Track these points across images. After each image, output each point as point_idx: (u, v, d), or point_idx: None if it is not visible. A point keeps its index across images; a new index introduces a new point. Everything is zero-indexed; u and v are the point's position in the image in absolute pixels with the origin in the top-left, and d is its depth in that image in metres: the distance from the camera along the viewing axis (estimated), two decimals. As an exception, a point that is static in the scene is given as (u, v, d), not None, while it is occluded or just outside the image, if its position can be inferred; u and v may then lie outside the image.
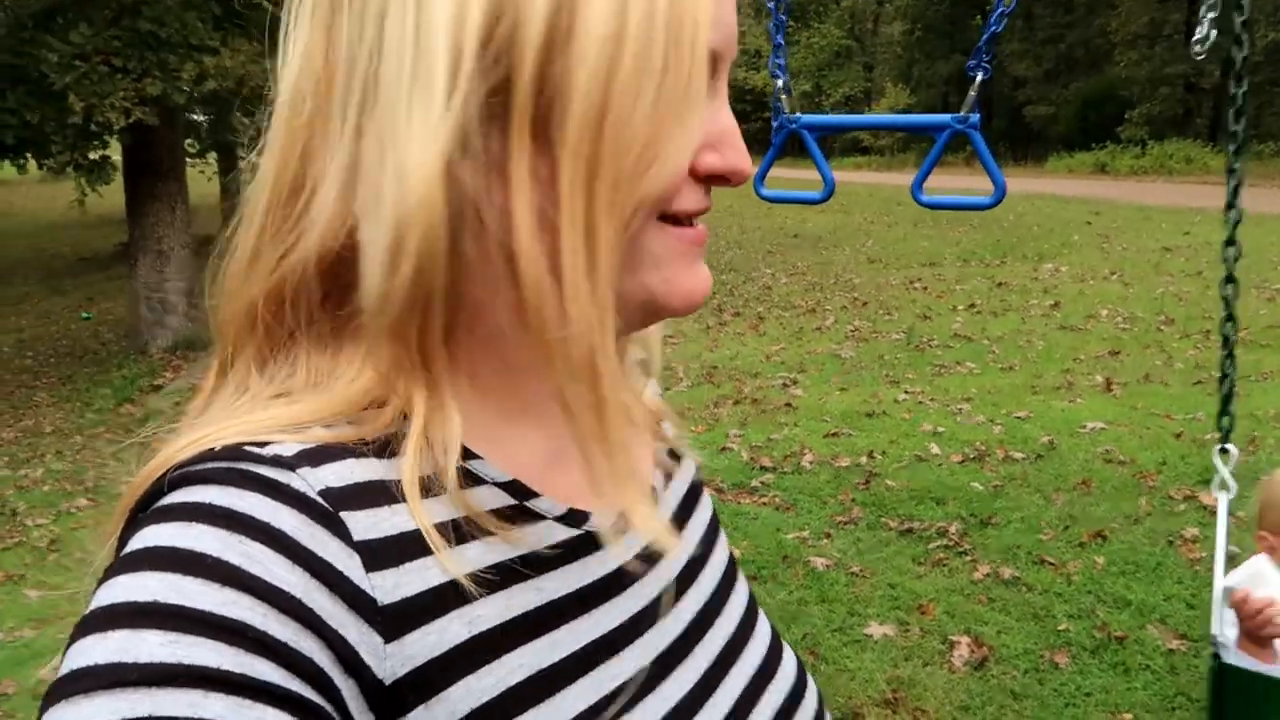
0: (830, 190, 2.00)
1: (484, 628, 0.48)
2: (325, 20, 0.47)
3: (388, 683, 0.44)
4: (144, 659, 0.38)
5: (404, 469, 0.48)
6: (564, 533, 0.53)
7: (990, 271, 10.57)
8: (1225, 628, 1.69)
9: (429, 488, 0.48)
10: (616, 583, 0.55)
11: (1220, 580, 1.73)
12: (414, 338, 0.48)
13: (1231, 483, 1.91)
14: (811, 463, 4.74)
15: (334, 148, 0.47)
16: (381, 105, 0.45)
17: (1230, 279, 1.92)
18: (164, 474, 0.45)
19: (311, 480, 0.45)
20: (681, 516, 0.65)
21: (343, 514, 0.45)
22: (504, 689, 0.47)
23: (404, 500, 0.47)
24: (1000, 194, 1.84)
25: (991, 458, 4.72)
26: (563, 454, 0.55)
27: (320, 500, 0.45)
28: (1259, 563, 1.73)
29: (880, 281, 10.45)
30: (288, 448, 0.46)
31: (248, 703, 0.38)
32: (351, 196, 0.46)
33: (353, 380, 0.49)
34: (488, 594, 0.48)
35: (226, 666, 0.39)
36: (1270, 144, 22.94)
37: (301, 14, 0.49)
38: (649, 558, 0.58)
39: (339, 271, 0.49)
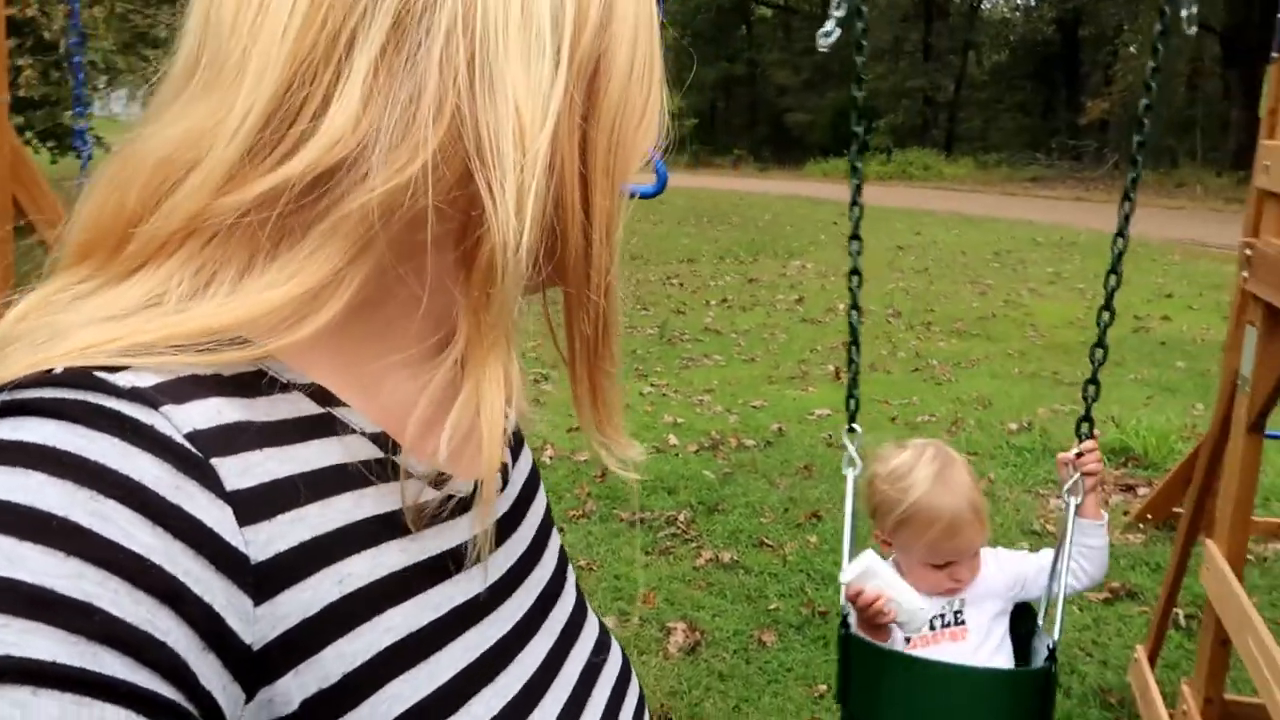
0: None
1: (354, 586, 0.45)
2: None
3: (256, 648, 0.41)
4: None
5: (274, 412, 0.46)
6: (428, 494, 0.52)
7: (743, 268, 11.00)
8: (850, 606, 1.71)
9: (295, 435, 0.46)
10: (474, 552, 0.54)
11: (848, 558, 1.74)
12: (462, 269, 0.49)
13: (858, 460, 1.97)
14: (552, 458, 4.71)
15: (353, 69, 0.45)
16: (484, 58, 0.46)
17: (855, 271, 2.05)
18: None
19: (177, 420, 0.41)
20: (525, 498, 0.65)
21: (213, 460, 0.41)
22: (374, 653, 0.45)
23: (276, 444, 0.45)
24: (661, 184, 1.83)
25: (725, 446, 4.86)
26: (428, 415, 0.53)
27: (187, 445, 0.41)
28: (868, 558, 1.64)
29: (639, 278, 10.62)
30: (144, 377, 0.41)
31: (86, 700, 0.34)
32: (380, 119, 0.45)
33: (281, 285, 0.45)
34: (358, 551, 0.46)
35: (63, 660, 0.34)
36: (994, 154, 25.35)
37: None
38: (502, 531, 0.58)
39: (317, 183, 0.45)
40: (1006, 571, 1.83)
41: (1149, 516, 3.82)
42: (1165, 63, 1.99)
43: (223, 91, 0.46)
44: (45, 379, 0.40)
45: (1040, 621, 1.79)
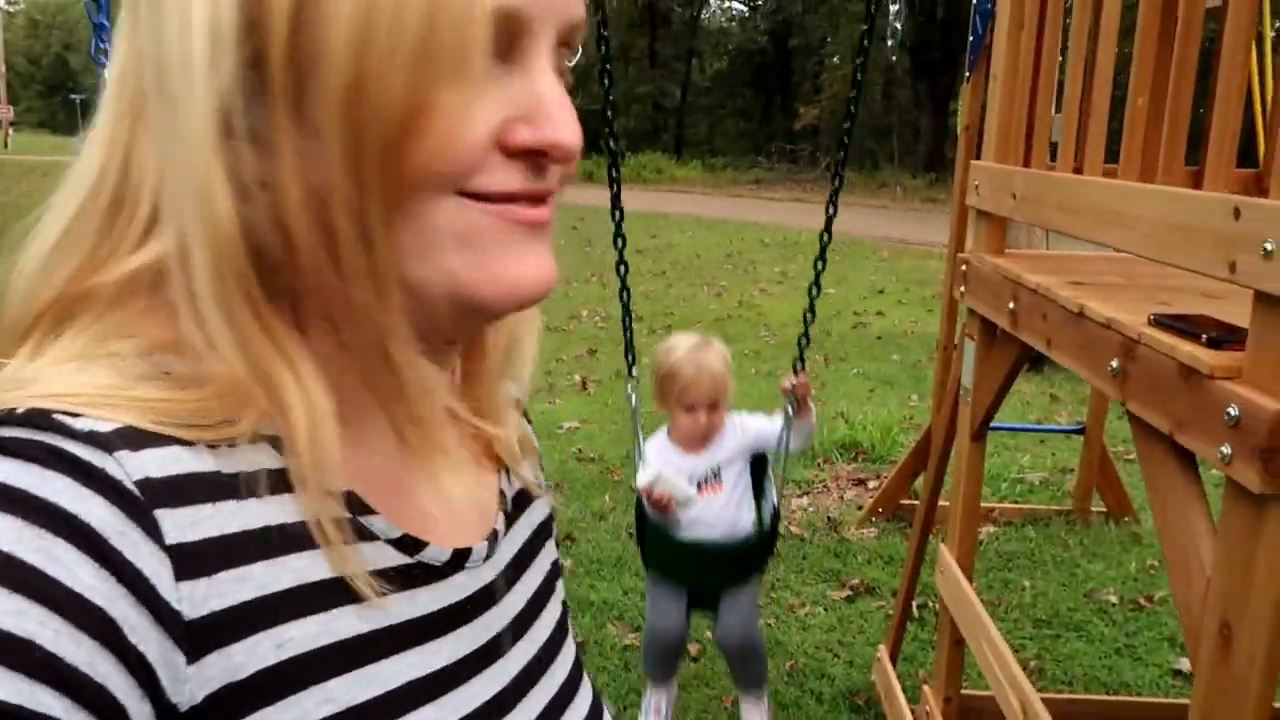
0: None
1: (294, 652, 0.43)
2: (131, 6, 0.46)
3: (183, 709, 0.40)
4: None
5: (236, 464, 0.44)
6: (396, 558, 0.49)
7: (485, 277, 10.81)
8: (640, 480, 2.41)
9: (253, 488, 0.44)
10: (446, 621, 0.52)
11: (640, 467, 2.46)
12: (246, 323, 0.45)
13: (635, 398, 2.74)
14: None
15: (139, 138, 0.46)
16: (160, 89, 0.44)
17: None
18: None
19: (130, 467, 0.41)
20: (518, 566, 0.60)
21: (157, 511, 0.41)
22: None
23: (233, 498, 0.43)
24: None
25: (472, 469, 4.67)
26: (404, 478, 0.52)
27: (135, 491, 0.40)
28: (653, 468, 2.37)
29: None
30: (104, 424, 0.41)
31: None
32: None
33: (211, 362, 0.44)
34: (305, 615, 0.44)
35: (2, 695, 0.34)
36: (720, 158, 26.63)
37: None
38: (480, 603, 0.55)
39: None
40: (749, 433, 2.52)
41: (880, 510, 4.03)
42: (864, 74, 2.56)
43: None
44: (7, 418, 0.40)
45: (769, 470, 2.59)
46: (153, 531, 0.40)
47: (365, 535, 0.48)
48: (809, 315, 2.55)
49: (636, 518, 2.57)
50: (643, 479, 2.39)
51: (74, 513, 0.38)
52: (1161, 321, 1.31)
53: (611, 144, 2.48)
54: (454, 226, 0.46)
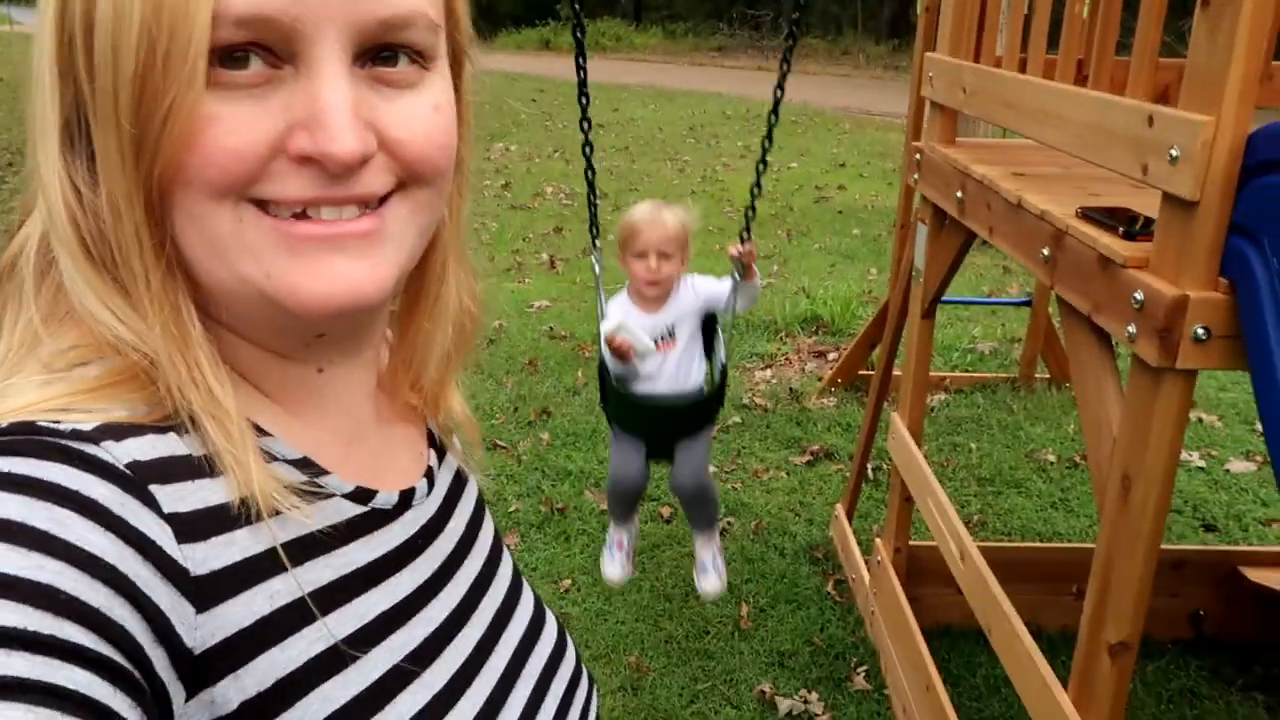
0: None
1: (284, 601, 0.49)
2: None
3: (197, 653, 0.45)
4: None
5: (204, 445, 0.48)
6: (352, 509, 0.56)
7: (446, 154, 10.64)
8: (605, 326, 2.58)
9: (216, 468, 0.49)
10: (401, 557, 0.59)
11: (602, 316, 2.63)
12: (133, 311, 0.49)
13: (599, 266, 2.80)
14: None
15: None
16: (31, 102, 0.49)
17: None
18: None
19: (117, 453, 0.45)
20: (453, 496, 0.68)
21: (151, 486, 0.45)
22: (306, 659, 0.49)
23: (207, 476, 0.48)
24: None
25: (447, 349, 4.80)
26: (352, 437, 0.59)
27: (128, 472, 0.44)
28: (616, 317, 2.54)
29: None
30: (84, 423, 0.45)
31: (55, 662, 0.38)
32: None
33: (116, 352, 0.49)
34: (284, 570, 0.50)
35: (33, 627, 0.38)
36: (681, 24, 25.93)
37: None
38: (429, 533, 0.62)
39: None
40: (700, 294, 2.67)
41: (839, 381, 4.25)
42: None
43: None
44: None
45: (719, 329, 2.74)
46: (150, 503, 0.45)
47: (323, 494, 0.54)
48: (755, 190, 2.71)
49: (600, 380, 2.75)
50: (606, 327, 2.57)
51: (76, 489, 0.42)
52: (1088, 214, 1.47)
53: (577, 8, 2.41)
54: (242, 238, 0.48)
